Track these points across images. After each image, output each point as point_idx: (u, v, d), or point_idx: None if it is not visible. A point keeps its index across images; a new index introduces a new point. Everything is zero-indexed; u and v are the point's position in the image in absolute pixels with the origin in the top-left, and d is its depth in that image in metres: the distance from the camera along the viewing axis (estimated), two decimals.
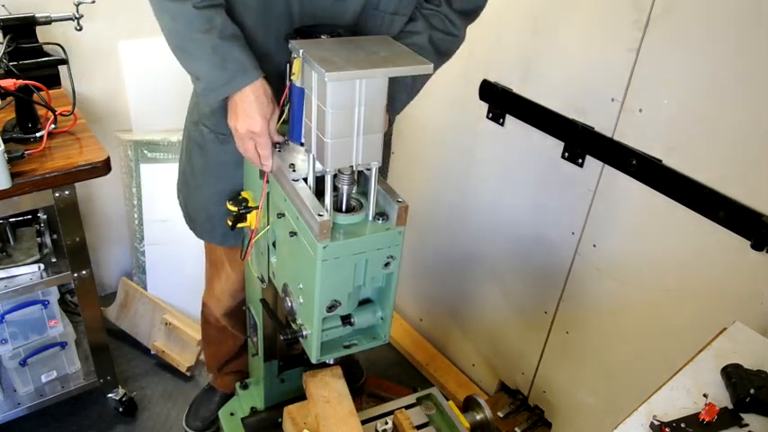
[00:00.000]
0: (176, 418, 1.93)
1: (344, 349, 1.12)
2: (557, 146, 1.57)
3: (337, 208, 1.02)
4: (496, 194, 1.81)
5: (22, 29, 1.46)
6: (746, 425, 0.94)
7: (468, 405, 1.44)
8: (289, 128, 1.10)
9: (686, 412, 0.95)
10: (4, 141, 1.37)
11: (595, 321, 1.61)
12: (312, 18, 1.11)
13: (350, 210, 1.03)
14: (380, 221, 1.01)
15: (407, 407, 1.40)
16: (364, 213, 1.02)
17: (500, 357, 1.97)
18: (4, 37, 1.45)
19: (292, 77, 1.01)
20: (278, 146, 1.11)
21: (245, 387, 1.67)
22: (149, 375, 2.08)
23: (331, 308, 1.03)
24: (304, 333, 1.09)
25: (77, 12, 1.53)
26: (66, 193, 1.48)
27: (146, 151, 2.08)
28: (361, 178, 1.07)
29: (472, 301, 2.02)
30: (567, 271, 1.65)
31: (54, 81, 1.50)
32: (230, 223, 1.21)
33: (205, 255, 1.60)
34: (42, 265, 1.59)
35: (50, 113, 1.48)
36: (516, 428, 1.84)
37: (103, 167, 1.48)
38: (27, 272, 1.58)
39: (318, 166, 0.99)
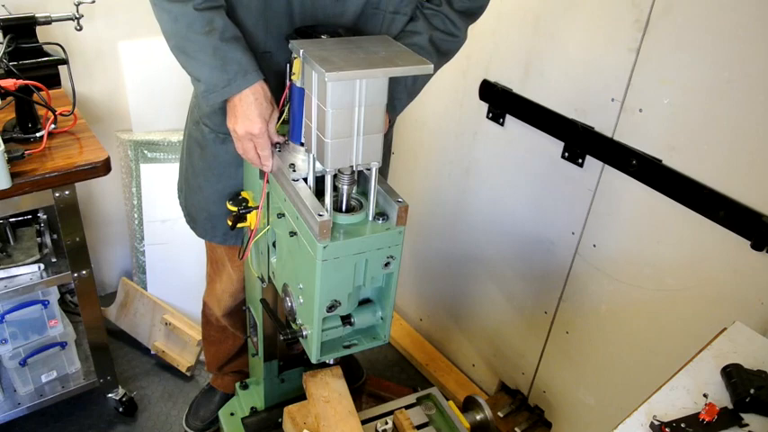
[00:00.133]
0: (176, 418, 1.93)
1: (344, 349, 1.12)
2: (557, 146, 1.57)
3: (337, 208, 1.02)
4: (496, 194, 1.81)
5: (22, 29, 1.46)
6: (746, 425, 0.94)
7: (468, 405, 1.44)
8: (289, 128, 1.10)
9: (686, 412, 0.95)
10: (4, 141, 1.37)
11: (595, 321, 1.61)
12: (312, 18, 1.11)
13: (350, 210, 1.03)
14: (380, 221, 1.01)
15: (407, 407, 1.40)
16: (364, 213, 1.02)
17: (500, 357, 1.97)
18: (4, 37, 1.45)
19: (292, 77, 1.01)
20: (278, 146, 1.11)
21: (245, 387, 1.67)
22: (149, 375, 2.08)
23: (331, 308, 1.03)
24: (304, 333, 1.10)
25: (77, 12, 1.53)
26: (66, 193, 1.48)
27: (146, 151, 2.08)
28: (361, 178, 1.07)
29: (472, 302, 2.02)
30: (567, 271, 1.65)
31: (54, 81, 1.50)
32: (230, 223, 1.21)
33: (206, 254, 1.60)
34: (42, 265, 1.59)
35: (50, 113, 1.48)
36: (516, 428, 1.84)
37: (103, 167, 1.48)
38: (27, 272, 1.58)
39: (318, 166, 0.99)
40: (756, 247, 1.22)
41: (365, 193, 1.05)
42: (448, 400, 1.43)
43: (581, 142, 1.50)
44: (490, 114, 1.74)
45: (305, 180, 1.04)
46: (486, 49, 1.69)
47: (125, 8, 1.93)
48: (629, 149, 1.40)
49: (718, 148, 1.25)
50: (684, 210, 1.32)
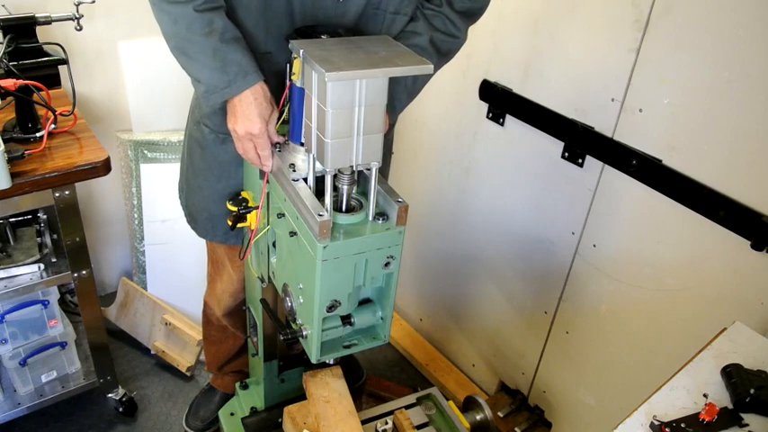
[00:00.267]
0: (176, 418, 1.93)
1: (344, 349, 1.12)
2: (557, 146, 1.57)
3: (337, 208, 1.02)
4: (496, 194, 1.81)
5: (22, 29, 1.46)
6: (746, 425, 0.94)
7: (468, 405, 1.44)
8: (289, 128, 1.10)
9: (686, 412, 0.95)
10: (4, 141, 1.37)
11: (595, 321, 1.61)
12: (313, 18, 1.11)
13: (350, 210, 1.03)
14: (380, 221, 1.01)
15: (407, 407, 1.40)
16: (364, 213, 1.02)
17: (500, 357, 1.97)
18: (4, 37, 1.45)
19: (292, 77, 1.01)
20: (278, 146, 1.11)
21: (245, 387, 1.67)
22: (149, 375, 2.08)
23: (331, 308, 1.03)
24: (304, 333, 1.10)
25: (77, 12, 1.53)
26: (66, 193, 1.48)
27: (146, 151, 2.09)
28: (361, 178, 1.07)
29: (472, 302, 2.02)
30: (567, 271, 1.65)
31: (54, 81, 1.50)
32: (230, 223, 1.21)
33: (207, 254, 1.60)
34: (42, 265, 1.59)
35: (50, 113, 1.48)
36: (516, 428, 1.84)
37: (103, 167, 1.48)
38: (27, 272, 1.58)
39: (318, 166, 0.99)
40: (756, 247, 1.22)
41: (365, 193, 1.05)
42: (448, 400, 1.43)
43: (581, 142, 1.50)
44: (490, 114, 1.74)
45: (305, 180, 1.04)
46: (487, 50, 1.69)
47: (125, 8, 1.93)
48: (629, 149, 1.40)
49: (718, 148, 1.25)
50: (684, 210, 1.32)
